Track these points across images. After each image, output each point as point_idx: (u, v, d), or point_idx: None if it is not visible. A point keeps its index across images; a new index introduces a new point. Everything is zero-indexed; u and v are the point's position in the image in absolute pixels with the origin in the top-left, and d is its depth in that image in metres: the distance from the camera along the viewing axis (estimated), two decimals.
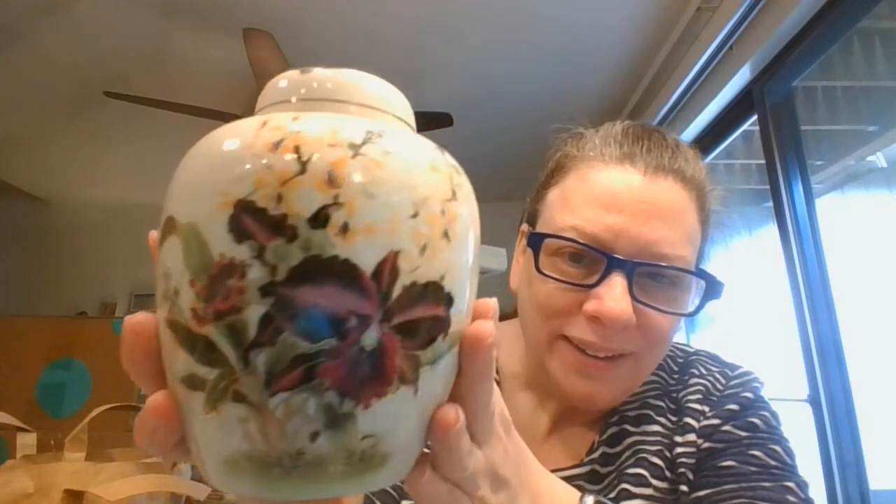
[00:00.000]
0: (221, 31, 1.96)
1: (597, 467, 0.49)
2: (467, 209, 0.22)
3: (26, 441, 0.80)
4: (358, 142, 0.20)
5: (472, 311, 0.23)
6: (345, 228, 0.19)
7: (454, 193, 0.22)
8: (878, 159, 1.64)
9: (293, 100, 0.23)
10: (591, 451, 0.50)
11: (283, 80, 0.24)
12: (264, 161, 0.19)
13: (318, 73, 0.25)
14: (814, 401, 1.43)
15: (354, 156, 0.19)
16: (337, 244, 0.19)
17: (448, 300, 0.21)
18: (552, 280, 0.45)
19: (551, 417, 0.52)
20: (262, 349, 0.19)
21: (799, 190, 1.55)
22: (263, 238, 0.18)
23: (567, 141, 0.51)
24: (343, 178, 0.19)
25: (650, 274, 0.44)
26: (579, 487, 0.47)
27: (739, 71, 1.66)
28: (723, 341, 2.16)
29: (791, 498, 0.45)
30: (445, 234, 0.21)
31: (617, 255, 0.43)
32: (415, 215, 0.20)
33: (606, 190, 0.45)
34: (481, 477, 0.26)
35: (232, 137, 0.20)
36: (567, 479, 0.45)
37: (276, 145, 0.19)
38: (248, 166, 0.19)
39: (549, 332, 0.46)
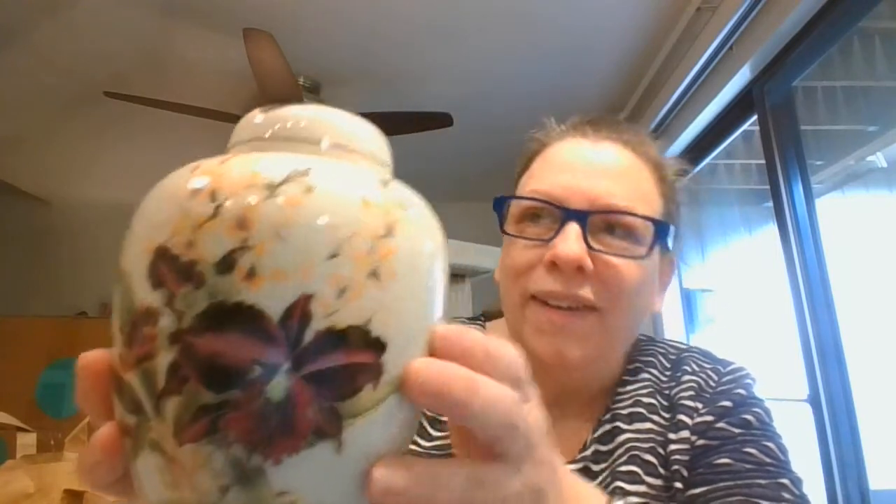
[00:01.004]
0: (221, 31, 1.96)
1: (589, 464, 0.49)
2: (412, 244, 0.21)
3: (26, 441, 0.80)
4: (276, 181, 0.19)
5: (428, 353, 0.21)
6: (252, 273, 0.18)
7: (390, 229, 0.20)
8: (878, 159, 1.64)
9: (266, 135, 0.23)
10: (583, 448, 0.50)
11: (257, 117, 0.24)
12: (183, 207, 0.19)
13: (292, 111, 0.25)
14: (814, 401, 1.43)
15: (269, 197, 0.19)
16: (243, 290, 0.18)
17: (377, 345, 0.19)
18: (517, 239, 0.49)
19: (545, 407, 0.53)
20: (171, 398, 0.18)
21: (799, 190, 1.55)
22: (174, 285, 0.18)
23: (534, 135, 0.56)
24: (253, 220, 0.18)
25: (605, 226, 0.47)
26: None
27: (739, 71, 1.66)
28: (723, 341, 2.16)
29: (786, 494, 0.45)
30: (374, 274, 0.19)
31: (570, 207, 0.46)
32: (333, 255, 0.19)
33: (559, 158, 0.51)
34: (525, 498, 0.24)
35: (167, 183, 0.21)
36: None
37: (197, 191, 0.19)
38: (168, 213, 0.19)
39: (519, 293, 0.48)
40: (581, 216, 0.46)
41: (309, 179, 0.19)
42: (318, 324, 0.18)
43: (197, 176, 0.20)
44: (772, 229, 1.63)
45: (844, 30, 1.42)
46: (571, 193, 0.47)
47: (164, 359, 0.18)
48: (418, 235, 0.21)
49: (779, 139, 1.61)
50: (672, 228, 0.49)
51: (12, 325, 1.50)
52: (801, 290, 1.48)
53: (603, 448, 0.50)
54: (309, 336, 0.18)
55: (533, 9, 1.83)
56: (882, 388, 1.49)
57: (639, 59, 2.10)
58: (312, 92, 2.29)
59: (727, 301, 2.25)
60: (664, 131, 2.25)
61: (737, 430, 0.48)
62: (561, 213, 0.46)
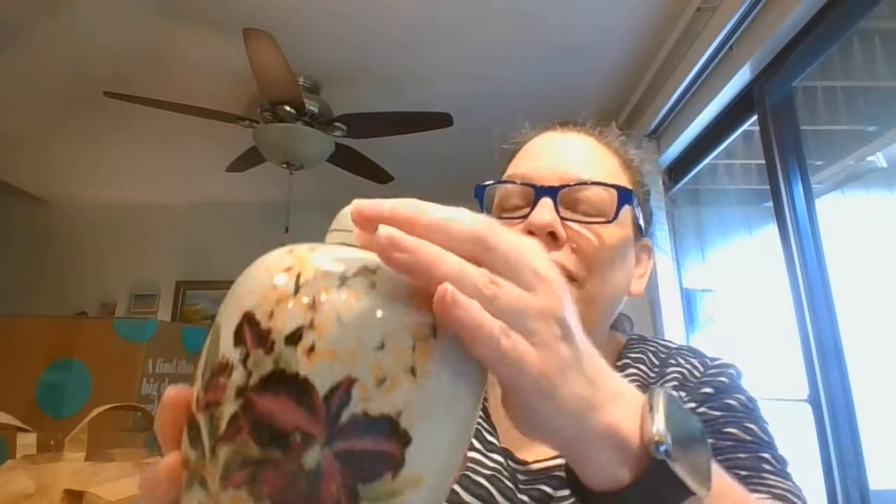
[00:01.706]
0: (221, 31, 1.96)
1: None
2: (449, 351, 0.22)
3: (26, 441, 0.80)
4: (349, 274, 0.22)
5: (451, 465, 0.23)
6: (311, 349, 0.20)
7: (435, 332, 0.22)
8: (878, 159, 1.63)
9: (354, 230, 0.25)
10: None
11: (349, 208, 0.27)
12: (272, 282, 0.22)
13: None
14: (814, 401, 1.43)
15: (340, 286, 0.22)
16: (301, 362, 0.20)
17: (404, 437, 0.21)
18: (497, 219, 0.51)
19: None
20: (226, 444, 0.21)
21: (799, 190, 1.55)
22: (251, 346, 0.21)
23: (514, 139, 0.60)
24: (321, 304, 0.21)
25: (574, 200, 0.50)
26: (559, 478, 0.48)
27: (739, 71, 1.66)
28: (723, 341, 2.16)
29: (767, 466, 0.45)
30: (411, 371, 0.21)
31: (541, 185, 0.50)
32: (380, 347, 0.21)
33: (532, 149, 0.55)
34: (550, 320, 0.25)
35: (268, 258, 0.24)
36: (548, 468, 0.48)
37: (287, 270, 0.22)
38: (261, 284, 0.22)
39: None
40: (552, 191, 0.49)
41: (374, 278, 0.22)
42: (355, 406, 0.20)
43: (289, 257, 0.23)
44: (772, 229, 1.63)
45: (844, 30, 1.42)
46: (541, 173, 0.51)
47: (229, 408, 0.21)
48: (457, 344, 0.23)
49: (779, 139, 1.61)
50: (635, 198, 0.52)
51: (12, 325, 1.50)
52: (801, 290, 1.48)
53: None
54: (346, 416, 0.20)
55: (533, 9, 1.83)
56: (882, 388, 1.49)
57: (639, 60, 2.10)
58: (312, 92, 2.29)
59: (727, 301, 2.25)
60: (664, 131, 2.25)
61: (718, 413, 0.49)
62: (533, 191, 0.50)
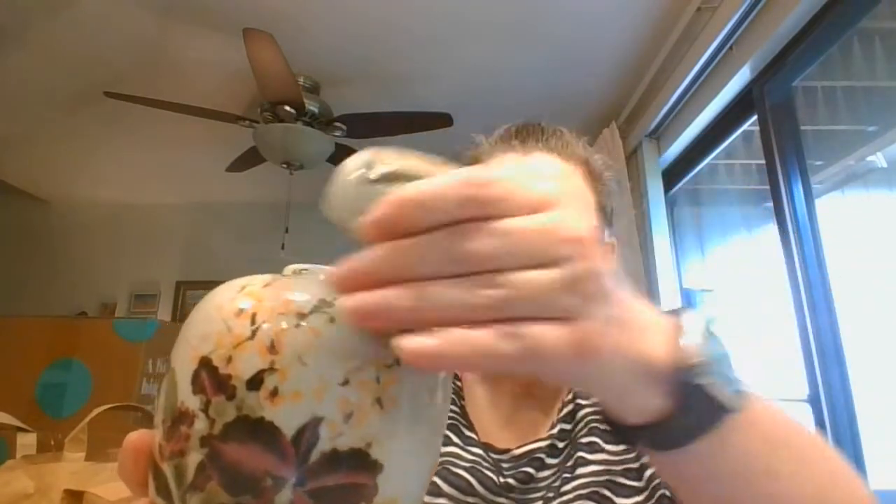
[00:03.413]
0: (221, 31, 1.96)
1: (555, 442, 0.53)
2: (414, 376, 0.22)
3: (26, 441, 0.80)
4: (306, 311, 0.21)
5: (423, 478, 0.23)
6: (274, 392, 0.20)
7: (398, 360, 0.22)
8: (878, 159, 1.63)
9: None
10: (551, 427, 0.54)
11: None
12: (227, 325, 0.22)
13: None
14: (814, 401, 1.43)
15: (297, 325, 0.21)
16: (265, 406, 0.20)
17: (375, 466, 0.21)
18: None
19: (509, 403, 0.57)
20: (195, 493, 0.20)
21: (799, 190, 1.55)
22: (211, 393, 0.21)
23: (468, 152, 0.60)
24: (282, 345, 0.21)
25: None
26: (540, 460, 0.51)
27: (739, 71, 1.66)
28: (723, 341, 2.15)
29: None
30: (378, 402, 0.21)
31: None
32: (345, 383, 0.21)
33: None
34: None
35: (218, 297, 0.23)
36: (530, 451, 0.51)
37: (240, 312, 0.22)
38: (215, 327, 0.22)
39: None
40: None
41: (333, 311, 0.22)
42: (324, 445, 0.20)
43: (242, 297, 0.22)
44: (772, 229, 1.63)
45: (844, 30, 1.42)
46: None
47: (195, 458, 0.21)
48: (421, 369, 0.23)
49: (779, 139, 1.61)
50: (605, 231, 0.55)
51: (12, 325, 1.50)
52: (801, 290, 1.48)
53: (566, 426, 0.54)
54: (315, 456, 0.20)
55: (533, 10, 1.83)
56: (882, 387, 1.49)
57: (639, 59, 2.10)
58: (312, 92, 2.29)
59: (727, 301, 2.25)
60: (664, 131, 2.25)
61: None
62: None
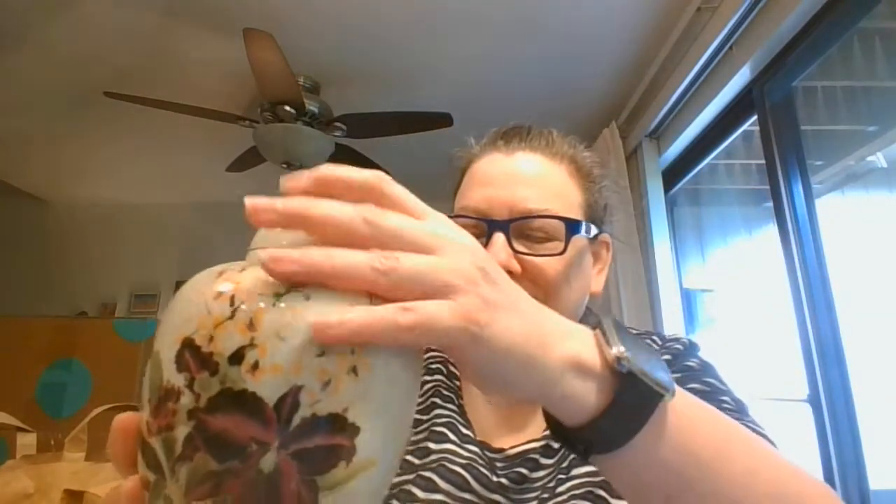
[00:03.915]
0: (221, 31, 1.96)
1: (550, 442, 0.53)
2: (388, 349, 0.24)
3: (26, 441, 0.80)
4: (282, 292, 0.23)
5: (400, 440, 0.25)
6: (255, 366, 0.22)
7: None
8: (878, 159, 1.63)
9: (284, 242, 0.27)
10: (546, 428, 0.54)
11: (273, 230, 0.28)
12: (208, 307, 0.23)
13: None
14: (814, 401, 1.43)
15: (274, 304, 0.23)
16: (247, 379, 0.22)
17: (353, 429, 0.23)
18: None
19: (507, 402, 0.58)
20: (185, 463, 0.22)
21: (799, 190, 1.55)
22: (195, 370, 0.22)
23: (459, 154, 0.62)
24: (260, 323, 0.22)
25: (526, 230, 0.52)
26: (534, 460, 0.52)
27: (739, 71, 1.66)
28: (723, 341, 2.16)
29: (727, 407, 0.47)
30: (353, 370, 0.23)
31: (493, 219, 0.52)
32: (321, 354, 0.22)
33: (479, 174, 0.56)
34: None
35: (197, 283, 0.25)
36: (523, 452, 0.53)
37: (219, 294, 0.23)
38: (196, 310, 0.23)
39: None
40: (503, 225, 0.52)
41: (308, 290, 0.23)
42: (304, 411, 0.22)
43: (221, 281, 0.24)
44: (772, 229, 1.63)
45: (844, 30, 1.42)
46: (493, 205, 0.53)
47: (182, 431, 0.22)
48: None
49: (779, 139, 1.61)
50: (583, 225, 0.54)
51: (12, 325, 1.50)
52: (801, 290, 1.48)
53: None
54: (296, 421, 0.22)
55: (533, 10, 1.83)
56: (882, 388, 1.49)
57: (639, 59, 2.10)
58: (312, 92, 2.29)
59: (727, 301, 2.25)
60: (664, 131, 2.25)
61: (679, 374, 0.52)
62: (486, 225, 0.52)
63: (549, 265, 0.52)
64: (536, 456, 0.53)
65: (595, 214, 0.58)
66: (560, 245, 0.52)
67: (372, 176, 0.26)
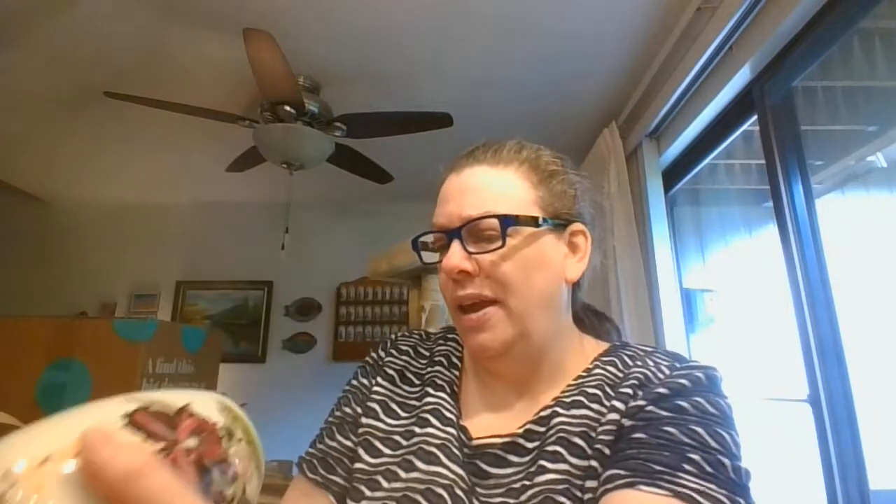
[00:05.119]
0: (221, 31, 1.96)
1: (519, 440, 0.55)
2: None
3: None
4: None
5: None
6: None
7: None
8: (878, 159, 1.63)
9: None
10: (521, 426, 0.56)
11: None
12: None
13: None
14: (814, 401, 1.43)
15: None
16: None
17: None
18: (432, 265, 0.63)
19: (497, 395, 0.62)
20: None
21: (799, 190, 1.55)
22: None
23: (439, 178, 0.66)
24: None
25: (476, 234, 0.58)
26: (494, 455, 0.54)
27: (739, 71, 1.66)
28: (723, 341, 2.16)
29: (687, 467, 0.44)
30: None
31: (449, 229, 0.59)
32: None
33: (441, 194, 0.63)
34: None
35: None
36: (484, 445, 0.56)
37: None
38: None
39: (450, 306, 0.61)
40: (456, 233, 0.58)
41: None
42: None
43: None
44: (772, 229, 1.63)
45: (844, 30, 1.42)
46: (449, 218, 0.59)
47: None
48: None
49: (779, 139, 1.61)
50: (537, 218, 0.58)
51: (12, 325, 1.49)
52: (801, 290, 1.48)
53: (538, 428, 0.55)
54: None
55: (533, 10, 1.83)
56: (882, 388, 1.49)
57: (639, 60, 2.10)
58: (312, 92, 2.29)
59: (727, 301, 2.25)
60: (664, 131, 2.25)
61: (665, 413, 0.48)
62: (445, 235, 0.59)
63: (499, 260, 0.57)
64: (498, 451, 0.55)
65: (559, 206, 0.60)
66: (499, 241, 0.57)
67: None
